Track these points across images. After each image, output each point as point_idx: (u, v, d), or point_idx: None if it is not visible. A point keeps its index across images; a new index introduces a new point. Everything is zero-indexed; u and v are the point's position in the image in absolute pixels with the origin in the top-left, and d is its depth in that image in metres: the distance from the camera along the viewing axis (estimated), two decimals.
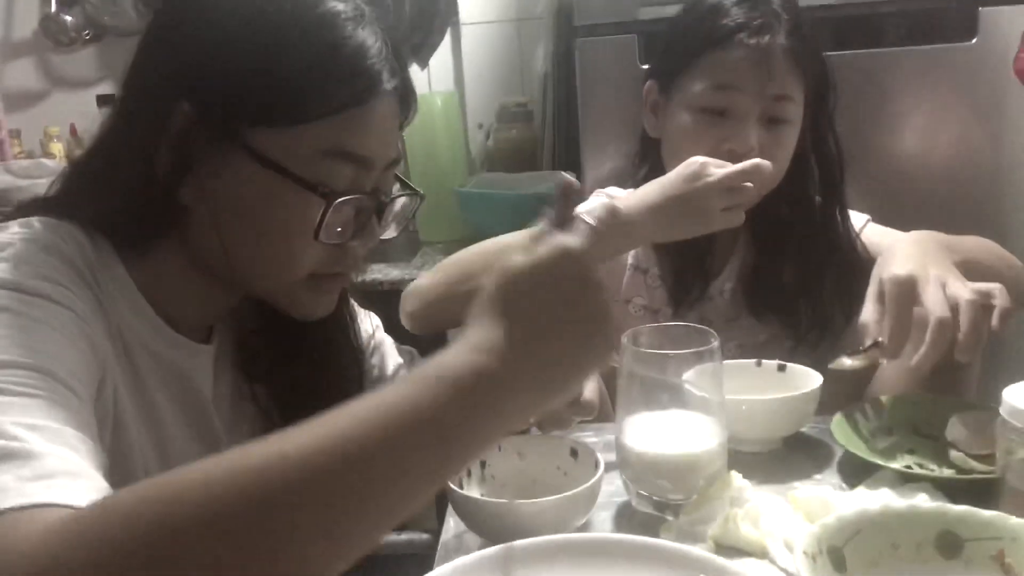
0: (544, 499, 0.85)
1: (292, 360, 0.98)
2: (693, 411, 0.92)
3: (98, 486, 0.61)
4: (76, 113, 2.60)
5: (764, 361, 1.17)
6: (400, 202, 0.94)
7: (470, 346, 0.59)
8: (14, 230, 0.78)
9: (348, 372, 1.03)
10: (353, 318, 1.05)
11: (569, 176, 0.70)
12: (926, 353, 0.98)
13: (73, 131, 2.61)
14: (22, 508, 0.55)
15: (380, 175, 0.87)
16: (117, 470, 0.80)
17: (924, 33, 1.70)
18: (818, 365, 1.16)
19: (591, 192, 1.55)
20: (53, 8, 2.56)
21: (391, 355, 1.13)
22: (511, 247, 0.82)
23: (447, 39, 2.49)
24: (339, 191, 0.82)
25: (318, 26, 0.81)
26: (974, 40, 1.66)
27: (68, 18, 2.57)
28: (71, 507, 0.56)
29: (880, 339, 1.03)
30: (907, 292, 1.02)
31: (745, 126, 1.28)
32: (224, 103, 0.80)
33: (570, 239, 0.64)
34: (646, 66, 1.70)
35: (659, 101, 1.40)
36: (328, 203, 0.81)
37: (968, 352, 0.97)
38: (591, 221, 1.13)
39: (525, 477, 0.96)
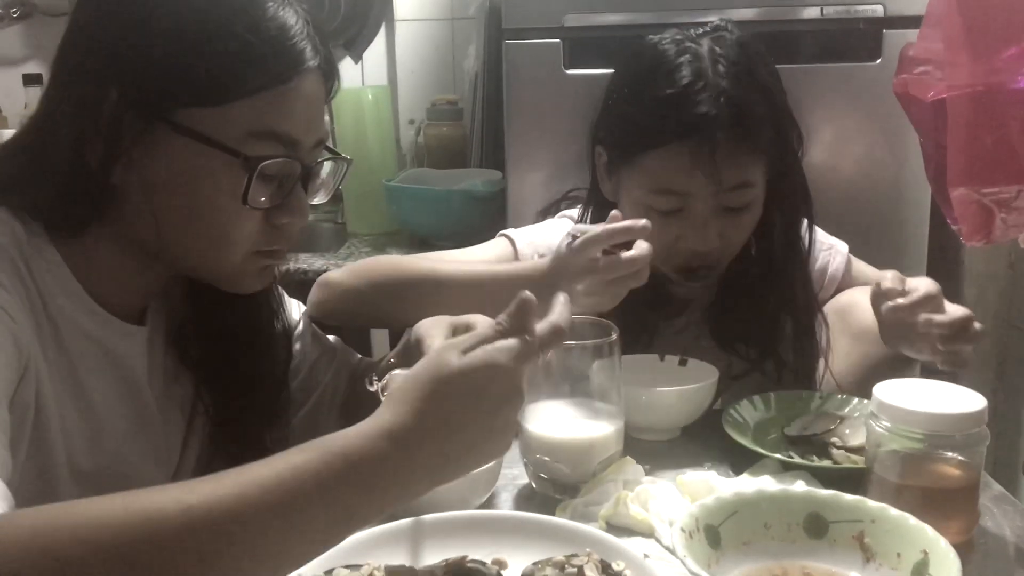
0: None
1: (224, 343, 1.01)
2: (593, 400, 0.98)
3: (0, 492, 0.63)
4: (1, 92, 2.56)
5: (667, 356, 1.23)
6: (327, 168, 0.96)
7: (380, 430, 0.64)
8: None
9: (277, 355, 1.06)
10: (281, 303, 1.08)
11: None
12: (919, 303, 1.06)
13: None
14: None
15: (308, 154, 0.90)
16: (38, 455, 0.82)
17: (833, 52, 1.78)
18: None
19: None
20: None
21: (315, 343, 1.16)
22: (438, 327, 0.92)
23: (381, 34, 2.52)
24: (263, 157, 0.84)
25: (240, 7, 0.84)
26: (879, 60, 1.75)
27: None
28: None
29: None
30: (938, 292, 1.09)
31: (701, 225, 1.20)
32: (151, 87, 0.83)
33: (506, 352, 0.68)
34: (571, 71, 1.76)
35: (611, 166, 1.30)
36: (252, 167, 0.84)
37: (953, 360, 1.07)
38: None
39: None
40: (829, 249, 1.42)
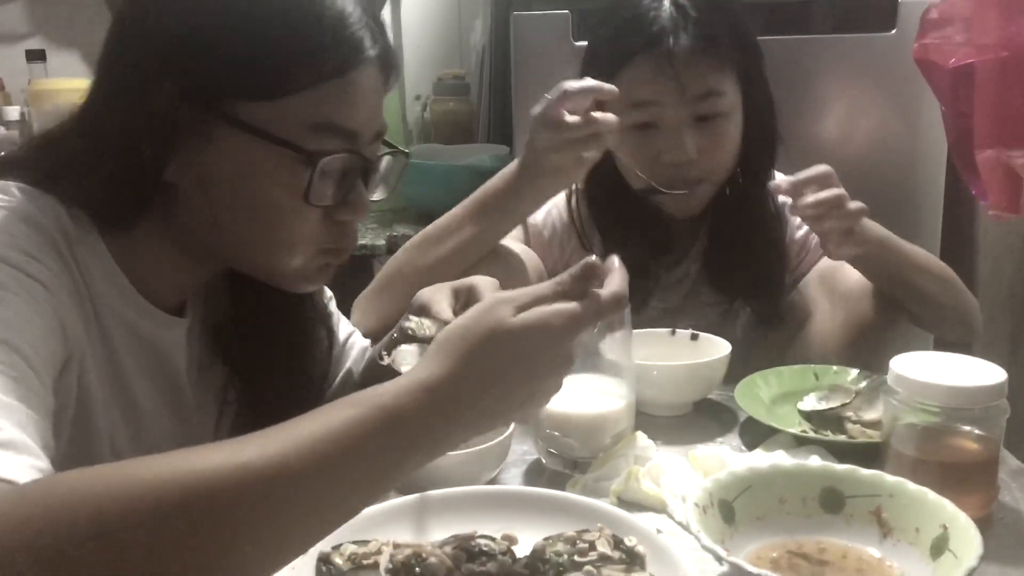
0: (455, 453, 0.88)
1: (266, 333, 0.99)
2: (603, 375, 0.96)
3: (41, 466, 0.61)
4: (5, 68, 2.54)
5: (678, 330, 1.22)
6: (385, 162, 0.94)
7: (420, 384, 0.62)
8: None
9: (319, 342, 1.04)
10: (326, 305, 1.07)
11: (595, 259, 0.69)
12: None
13: (1, 85, 2.56)
14: None
15: (367, 147, 0.87)
16: (82, 445, 0.81)
17: (847, 22, 1.76)
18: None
19: None
20: None
21: (342, 325, 1.14)
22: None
23: (387, 9, 2.49)
24: (324, 153, 0.81)
25: None
26: (893, 31, 1.73)
27: None
28: (10, 481, 0.57)
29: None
30: (820, 175, 1.12)
31: (676, 135, 1.25)
32: (207, 80, 0.80)
33: (563, 317, 0.65)
34: (580, 43, 1.74)
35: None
36: (314, 162, 0.81)
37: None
38: None
39: None
40: None
